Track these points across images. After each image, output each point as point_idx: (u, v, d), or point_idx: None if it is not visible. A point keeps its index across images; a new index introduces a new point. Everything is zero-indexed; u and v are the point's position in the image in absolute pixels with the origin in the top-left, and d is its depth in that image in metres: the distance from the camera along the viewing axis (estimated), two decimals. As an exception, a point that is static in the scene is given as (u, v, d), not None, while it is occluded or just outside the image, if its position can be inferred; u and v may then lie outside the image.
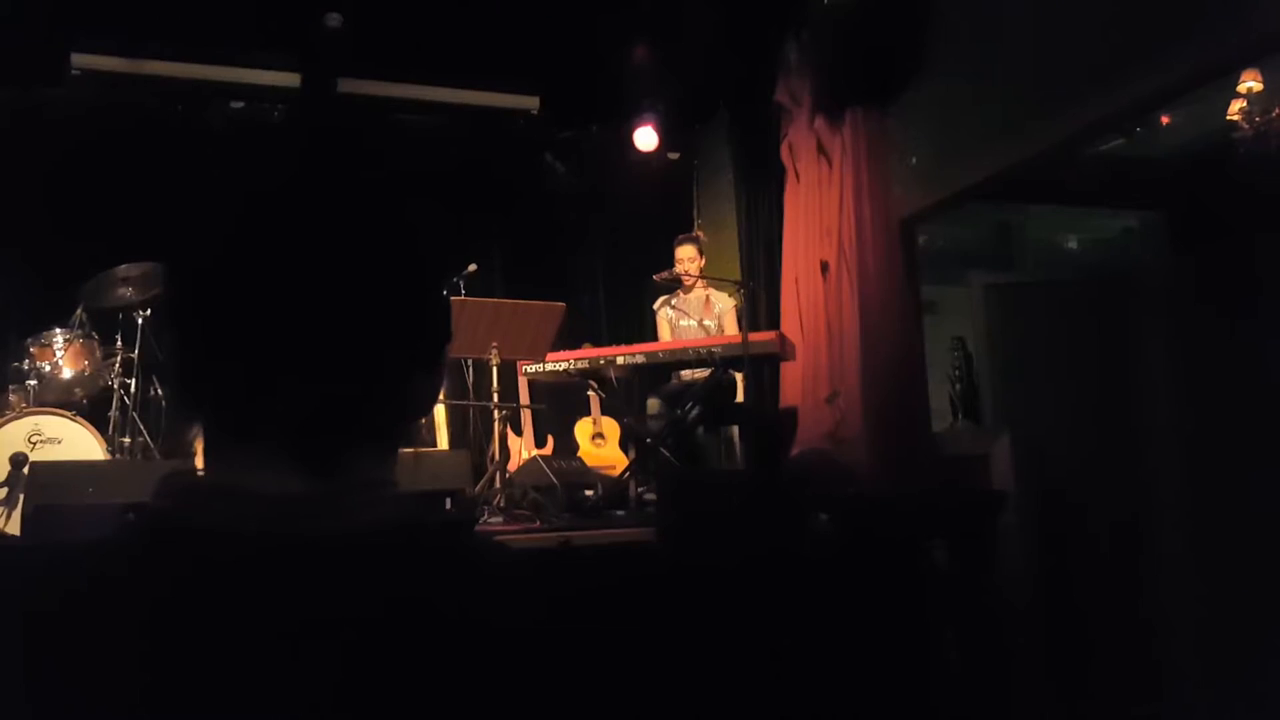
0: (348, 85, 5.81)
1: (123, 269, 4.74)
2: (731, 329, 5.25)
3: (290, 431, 0.69)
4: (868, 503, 3.92)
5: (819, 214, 4.92)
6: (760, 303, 5.58)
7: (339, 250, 0.70)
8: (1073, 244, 6.30)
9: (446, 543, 0.74)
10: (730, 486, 4.06)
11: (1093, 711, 4.04)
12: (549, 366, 5.01)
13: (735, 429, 5.41)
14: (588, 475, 4.95)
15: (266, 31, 5.33)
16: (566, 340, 4.96)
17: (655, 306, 5.62)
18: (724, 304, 5.40)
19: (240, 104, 5.89)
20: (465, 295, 4.94)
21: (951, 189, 4.43)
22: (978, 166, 4.27)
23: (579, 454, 5.46)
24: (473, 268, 5.09)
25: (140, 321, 4.80)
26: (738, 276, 5.79)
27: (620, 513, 4.43)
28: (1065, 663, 4.05)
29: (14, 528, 4.00)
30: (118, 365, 4.77)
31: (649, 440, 4.84)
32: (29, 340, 4.60)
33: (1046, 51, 3.81)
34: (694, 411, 4.90)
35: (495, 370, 4.46)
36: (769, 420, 5.03)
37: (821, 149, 4.91)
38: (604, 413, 5.68)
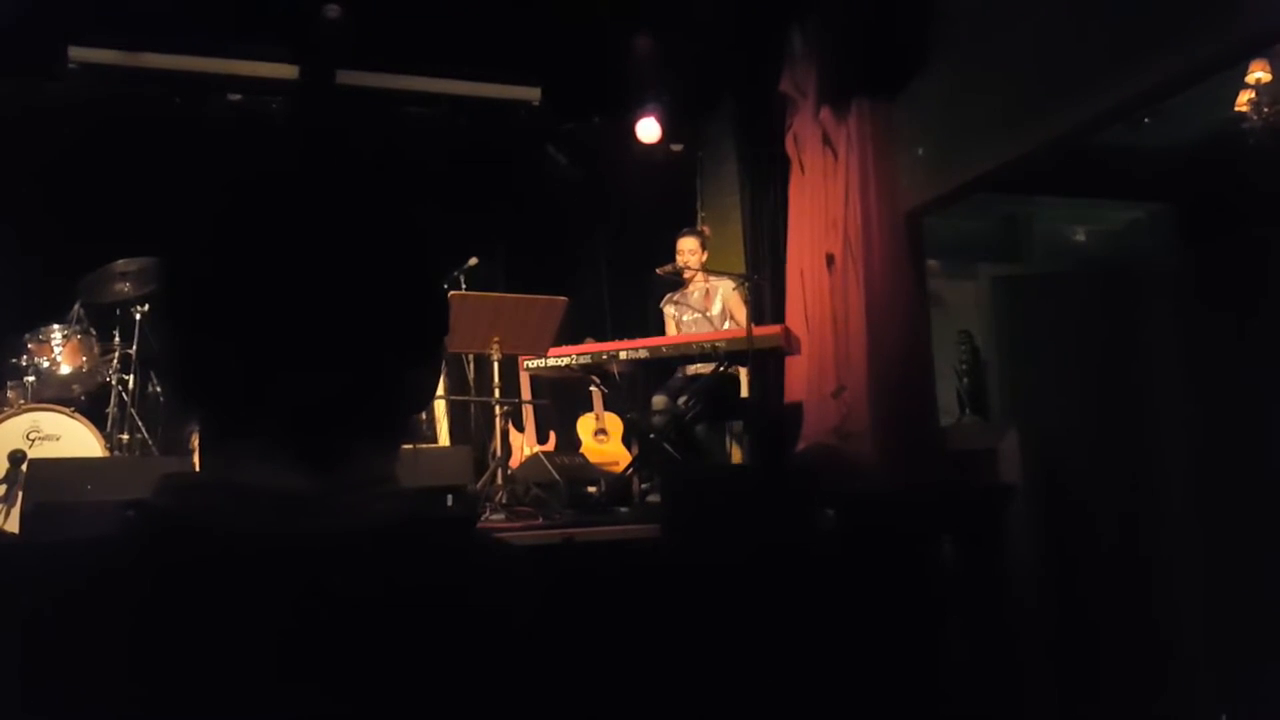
0: (347, 77, 5.78)
1: (120, 264, 4.74)
2: (738, 309, 5.21)
3: (288, 427, 0.69)
4: (874, 497, 3.91)
5: (824, 206, 4.89)
6: (765, 296, 5.54)
7: (337, 244, 0.70)
8: (1081, 236, 6.27)
9: (448, 539, 0.74)
10: (735, 482, 4.03)
11: (1100, 706, 4.02)
12: (551, 361, 4.98)
13: (740, 424, 5.38)
14: (590, 471, 4.93)
15: (265, 23, 5.31)
16: (568, 335, 4.93)
17: (661, 305, 5.60)
18: (725, 290, 5.36)
19: (238, 96, 5.87)
20: (466, 289, 4.92)
21: (958, 180, 4.40)
22: (985, 158, 4.23)
23: (581, 450, 5.44)
24: (474, 261, 5.07)
25: (138, 317, 4.80)
26: (742, 269, 5.76)
27: (623, 509, 4.42)
28: (1072, 657, 4.03)
29: (13, 525, 4.01)
30: (116, 361, 4.77)
31: (652, 436, 4.81)
32: (27, 336, 4.60)
33: (1054, 41, 3.78)
34: (696, 406, 4.87)
35: (497, 365, 4.43)
36: (774, 415, 5.00)
37: (827, 140, 4.88)
38: (607, 408, 5.66)
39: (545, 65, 6.08)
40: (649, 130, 6.09)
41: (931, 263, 4.97)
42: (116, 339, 4.83)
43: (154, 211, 0.78)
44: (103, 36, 5.46)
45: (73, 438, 4.31)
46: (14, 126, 5.25)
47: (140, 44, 5.53)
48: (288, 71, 5.76)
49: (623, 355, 4.93)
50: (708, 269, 5.39)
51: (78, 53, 5.49)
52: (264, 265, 0.68)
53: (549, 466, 4.39)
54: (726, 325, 5.25)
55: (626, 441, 5.62)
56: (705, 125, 6.92)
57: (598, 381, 5.35)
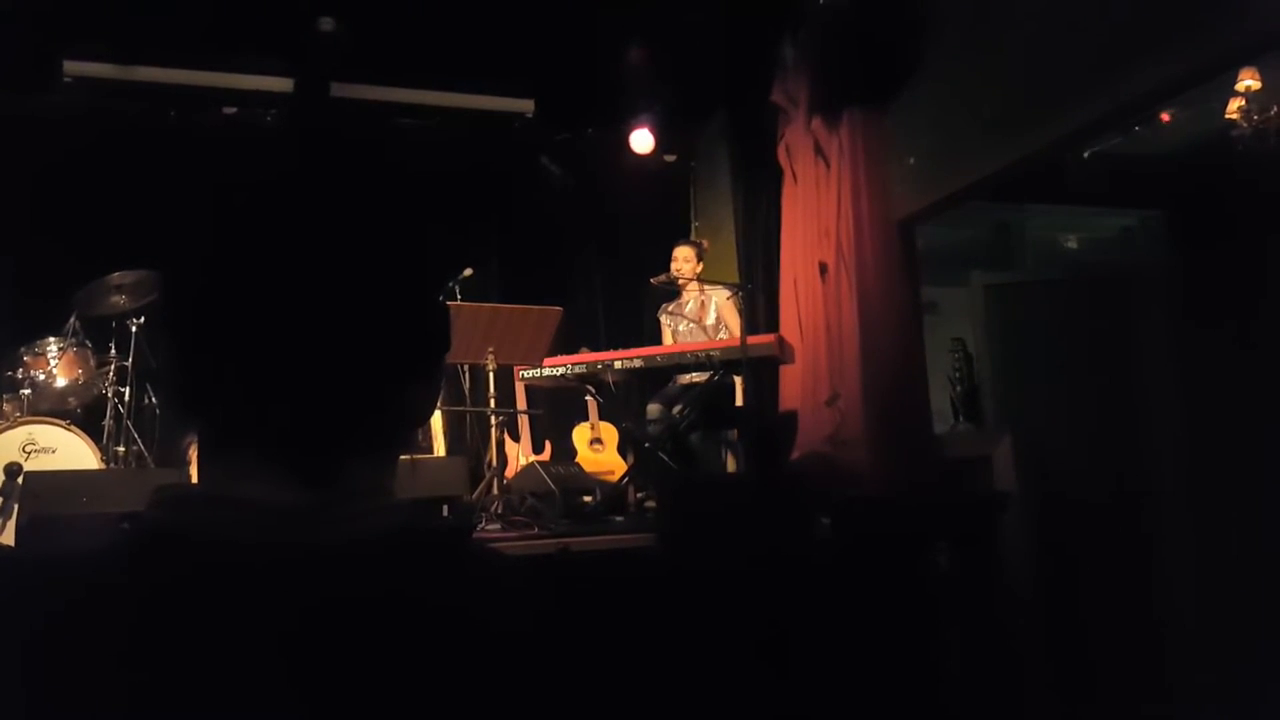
0: (341, 90, 5.79)
1: (116, 276, 4.72)
2: (731, 319, 5.22)
3: (286, 440, 0.68)
4: (869, 505, 3.90)
5: (817, 215, 4.90)
6: (759, 305, 5.55)
7: (334, 257, 0.69)
8: (1072, 243, 6.29)
9: (444, 550, 0.73)
10: (731, 490, 4.04)
11: (1098, 712, 4.02)
12: (546, 371, 4.98)
13: (735, 433, 5.38)
14: (586, 481, 4.92)
15: (259, 36, 5.31)
16: (563, 344, 4.93)
17: (657, 315, 5.61)
18: (719, 300, 5.37)
19: (233, 109, 5.87)
20: (461, 300, 4.92)
21: (950, 189, 4.42)
22: (976, 166, 4.25)
23: (577, 459, 5.43)
24: (468, 272, 5.07)
25: (134, 329, 4.77)
26: (736, 279, 5.77)
27: (619, 518, 4.40)
28: (1069, 663, 4.03)
29: (8, 538, 3.98)
30: (112, 374, 4.75)
31: (647, 445, 4.81)
32: (23, 349, 4.58)
33: (1044, 49, 3.80)
34: (690, 415, 4.87)
35: (492, 375, 4.43)
36: (769, 424, 5.00)
37: (819, 150, 4.89)
38: (602, 418, 5.66)
39: (539, 77, 6.08)
40: (642, 141, 6.10)
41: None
42: (112, 351, 4.81)
43: (149, 224, 0.78)
44: (97, 49, 5.45)
45: (69, 450, 4.28)
46: (9, 139, 5.25)
47: (134, 57, 5.53)
48: (282, 84, 5.77)
49: (617, 365, 4.93)
50: (702, 279, 5.40)
51: (72, 66, 5.48)
52: (261, 278, 0.68)
53: (544, 476, 4.38)
54: (721, 334, 5.26)
55: (622, 451, 5.62)
56: (698, 136, 6.93)
57: (593, 391, 5.35)
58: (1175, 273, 4.61)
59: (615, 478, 5.09)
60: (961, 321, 4.92)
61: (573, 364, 4.98)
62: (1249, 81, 4.88)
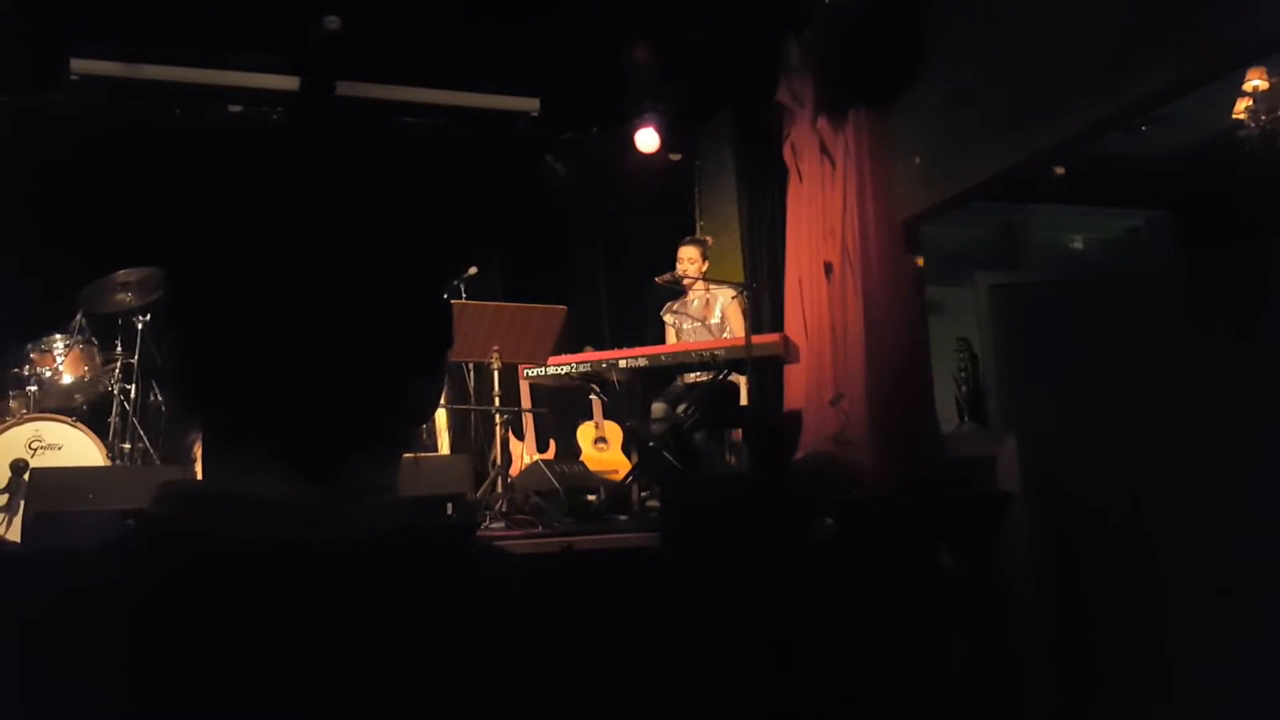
0: (347, 88, 5.78)
1: (122, 274, 4.73)
2: (735, 320, 5.22)
3: (290, 437, 0.69)
4: (873, 505, 3.90)
5: (822, 215, 4.89)
6: (764, 305, 5.54)
7: (339, 254, 0.70)
8: (1078, 244, 6.28)
9: (448, 548, 0.73)
10: (734, 490, 4.04)
11: (1101, 712, 4.02)
12: (550, 370, 4.99)
13: (739, 432, 5.38)
14: (590, 480, 4.92)
15: (265, 35, 5.32)
16: (568, 343, 4.94)
17: (661, 313, 5.61)
18: (724, 299, 5.37)
19: (239, 108, 5.88)
20: (466, 298, 4.92)
21: (956, 189, 4.41)
22: (982, 166, 4.24)
23: (581, 458, 5.44)
24: (473, 270, 5.07)
25: (140, 326, 4.79)
26: (741, 278, 5.76)
27: (623, 517, 4.41)
28: (1073, 664, 4.03)
29: (15, 534, 4.00)
30: (118, 371, 4.76)
31: (652, 444, 4.81)
32: (29, 346, 4.59)
33: (1051, 49, 3.79)
34: (694, 414, 4.87)
35: (496, 374, 4.44)
36: (773, 423, 5.00)
37: (824, 149, 4.89)
38: (606, 416, 5.66)
39: (544, 76, 6.09)
40: (647, 140, 6.10)
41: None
42: (118, 348, 4.82)
43: (155, 222, 0.79)
44: (104, 48, 5.47)
45: (75, 447, 4.29)
46: (16, 137, 5.27)
47: (141, 55, 5.54)
48: (287, 82, 5.78)
49: (622, 364, 4.94)
50: (707, 278, 5.39)
51: (79, 64, 5.50)
52: (266, 275, 0.68)
53: (549, 475, 4.39)
54: (726, 334, 5.26)
55: (626, 450, 5.62)
56: (703, 135, 6.92)
57: (597, 390, 5.35)
58: (1181, 274, 4.60)
59: (619, 477, 5.09)
60: (967, 322, 4.92)
61: (577, 363, 4.99)
62: (1257, 82, 4.86)
